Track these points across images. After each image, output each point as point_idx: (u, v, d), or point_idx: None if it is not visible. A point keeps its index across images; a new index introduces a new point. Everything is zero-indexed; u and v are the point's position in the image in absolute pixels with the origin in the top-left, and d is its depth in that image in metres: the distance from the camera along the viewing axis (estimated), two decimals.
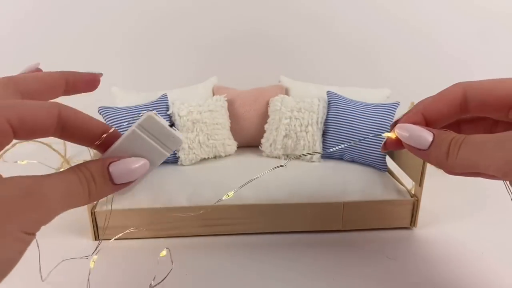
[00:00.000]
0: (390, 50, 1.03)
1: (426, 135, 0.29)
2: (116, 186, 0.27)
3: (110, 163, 0.27)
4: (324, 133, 0.68)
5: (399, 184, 0.64)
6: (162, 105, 0.66)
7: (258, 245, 0.56)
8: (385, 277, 0.49)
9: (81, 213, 0.62)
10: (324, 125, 0.68)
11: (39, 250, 0.49)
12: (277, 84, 0.79)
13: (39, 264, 0.49)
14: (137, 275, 0.50)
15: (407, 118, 0.32)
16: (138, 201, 0.59)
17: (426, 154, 0.29)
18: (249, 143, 0.75)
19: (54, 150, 0.64)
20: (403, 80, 0.99)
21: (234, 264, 0.52)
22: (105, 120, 0.63)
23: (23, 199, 0.22)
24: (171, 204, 0.58)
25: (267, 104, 0.73)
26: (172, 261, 0.47)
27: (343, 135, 0.66)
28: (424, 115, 0.31)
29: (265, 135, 0.71)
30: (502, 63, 0.99)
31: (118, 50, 1.01)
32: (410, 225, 0.60)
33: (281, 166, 0.37)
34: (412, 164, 0.59)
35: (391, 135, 0.31)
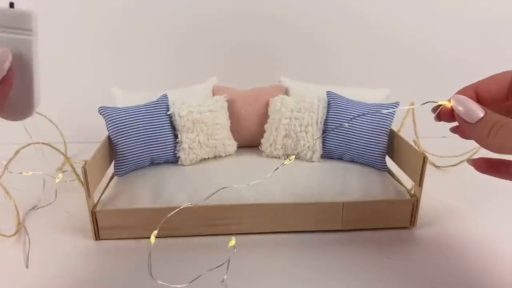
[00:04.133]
0: (390, 50, 1.03)
1: (478, 111, 0.31)
2: None
3: None
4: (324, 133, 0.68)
5: (398, 184, 0.64)
6: (162, 105, 0.66)
7: (258, 245, 0.56)
8: (385, 277, 0.49)
9: (81, 213, 0.62)
10: (324, 125, 0.68)
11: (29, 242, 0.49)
12: (277, 84, 0.79)
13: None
14: (137, 274, 0.50)
15: (462, 91, 0.34)
16: (138, 201, 0.59)
17: (472, 128, 0.32)
18: (249, 143, 0.75)
19: (55, 149, 0.64)
20: (403, 80, 0.99)
21: (234, 264, 0.52)
22: (105, 120, 0.63)
23: None
24: (171, 204, 0.58)
25: (267, 104, 0.73)
26: (235, 248, 0.45)
27: (343, 135, 0.66)
28: (476, 92, 0.34)
29: (265, 135, 0.72)
30: (503, 63, 0.99)
31: (118, 50, 1.01)
32: (410, 225, 0.60)
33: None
34: (412, 164, 0.59)
35: (447, 104, 0.34)
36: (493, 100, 0.34)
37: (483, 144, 0.31)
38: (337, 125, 0.66)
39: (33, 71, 0.27)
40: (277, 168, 0.39)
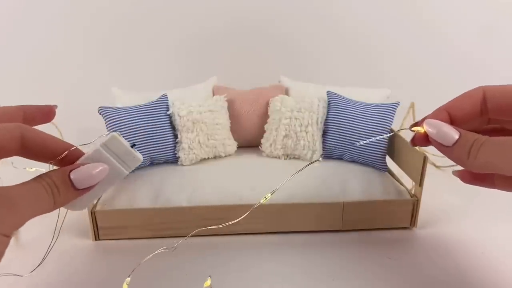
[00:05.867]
0: (390, 50, 1.03)
1: (452, 133, 0.30)
2: (78, 191, 0.29)
3: (71, 170, 0.29)
4: (324, 133, 0.68)
5: (399, 184, 0.64)
6: (162, 105, 0.66)
7: (258, 245, 0.56)
8: (385, 277, 0.49)
9: (81, 213, 0.62)
10: (324, 125, 0.68)
11: None
12: (277, 84, 0.79)
13: None
14: (137, 274, 0.50)
15: (434, 115, 0.33)
16: (138, 201, 0.59)
17: (449, 151, 0.31)
18: (249, 143, 0.75)
19: None
20: (403, 80, 0.99)
21: (234, 264, 0.52)
22: (105, 120, 0.63)
23: None
24: (171, 204, 0.58)
25: (267, 104, 0.73)
26: None
27: (343, 135, 0.66)
28: (449, 112, 0.33)
29: (265, 135, 0.71)
30: (505, 62, 0.99)
31: (118, 50, 1.01)
32: (410, 225, 0.60)
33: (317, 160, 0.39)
34: (412, 164, 0.59)
35: (420, 129, 0.33)
36: (467, 118, 0.33)
37: (465, 165, 0.30)
38: (337, 125, 0.66)
39: (107, 189, 0.33)
40: (255, 206, 0.39)
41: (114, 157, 0.32)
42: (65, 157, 0.30)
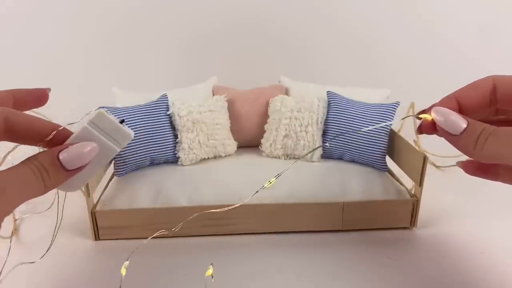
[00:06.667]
0: (390, 49, 1.03)
1: (460, 122, 0.30)
2: (69, 172, 0.28)
3: (60, 151, 0.28)
4: (324, 133, 0.68)
5: (399, 184, 0.64)
6: (162, 105, 0.66)
7: (258, 245, 0.56)
8: (385, 277, 0.49)
9: (81, 213, 0.62)
10: (324, 125, 0.68)
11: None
12: (277, 84, 0.79)
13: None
14: (137, 274, 0.50)
15: (442, 103, 0.33)
16: (138, 201, 0.59)
17: (456, 140, 0.30)
18: (249, 143, 0.75)
19: None
20: (403, 80, 0.99)
21: (233, 264, 0.52)
22: None
23: None
24: (171, 204, 0.58)
25: (267, 104, 0.73)
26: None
27: (343, 135, 0.66)
28: (458, 101, 0.32)
29: (265, 135, 0.71)
30: (505, 62, 0.99)
31: (118, 50, 1.01)
32: (410, 225, 0.60)
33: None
34: (412, 164, 0.59)
35: (428, 117, 0.32)
36: (475, 108, 0.32)
37: (471, 155, 0.30)
38: (337, 125, 0.66)
39: (100, 169, 0.32)
40: (257, 191, 0.38)
41: (103, 135, 0.30)
42: (53, 138, 0.29)
